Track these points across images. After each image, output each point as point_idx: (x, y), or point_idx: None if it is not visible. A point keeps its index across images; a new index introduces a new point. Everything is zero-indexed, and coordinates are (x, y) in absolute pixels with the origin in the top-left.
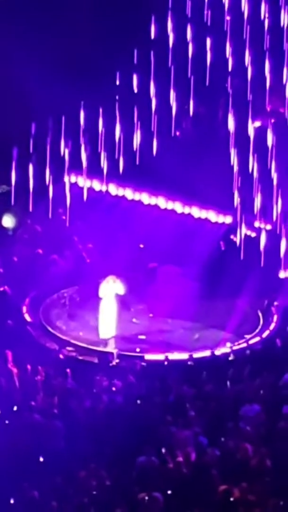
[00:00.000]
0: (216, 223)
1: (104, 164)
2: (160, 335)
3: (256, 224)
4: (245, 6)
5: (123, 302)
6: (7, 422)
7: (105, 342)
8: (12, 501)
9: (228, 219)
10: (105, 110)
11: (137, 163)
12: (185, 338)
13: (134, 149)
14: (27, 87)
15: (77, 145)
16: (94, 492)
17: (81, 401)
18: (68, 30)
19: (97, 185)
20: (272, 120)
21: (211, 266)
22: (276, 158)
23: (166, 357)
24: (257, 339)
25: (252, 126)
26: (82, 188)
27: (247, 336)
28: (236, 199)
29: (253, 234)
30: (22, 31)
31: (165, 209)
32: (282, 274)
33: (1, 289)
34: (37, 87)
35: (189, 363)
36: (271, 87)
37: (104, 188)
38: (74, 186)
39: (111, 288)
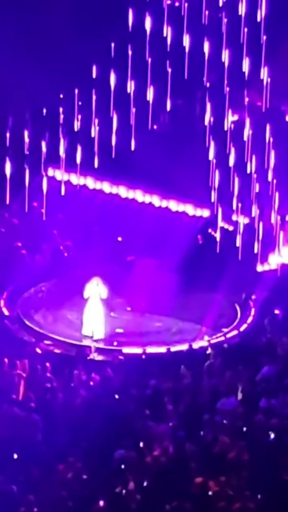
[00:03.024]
0: (193, 216)
1: (81, 157)
2: (138, 329)
3: (234, 217)
4: None
5: (105, 303)
6: None
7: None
8: None
9: (205, 213)
10: (83, 104)
11: (115, 156)
12: (162, 332)
13: (112, 142)
14: (3, 80)
15: (54, 139)
16: (72, 486)
17: (59, 395)
18: (45, 23)
19: (74, 179)
20: (250, 114)
21: (189, 259)
22: (254, 152)
23: (144, 350)
24: (234, 332)
25: (229, 120)
26: (60, 182)
27: (225, 330)
28: (214, 193)
29: (231, 228)
30: None
31: (143, 202)
32: (259, 268)
33: None
34: (14, 80)
35: (167, 356)
36: (248, 81)
37: (81, 182)
38: (51, 179)
39: (95, 290)
